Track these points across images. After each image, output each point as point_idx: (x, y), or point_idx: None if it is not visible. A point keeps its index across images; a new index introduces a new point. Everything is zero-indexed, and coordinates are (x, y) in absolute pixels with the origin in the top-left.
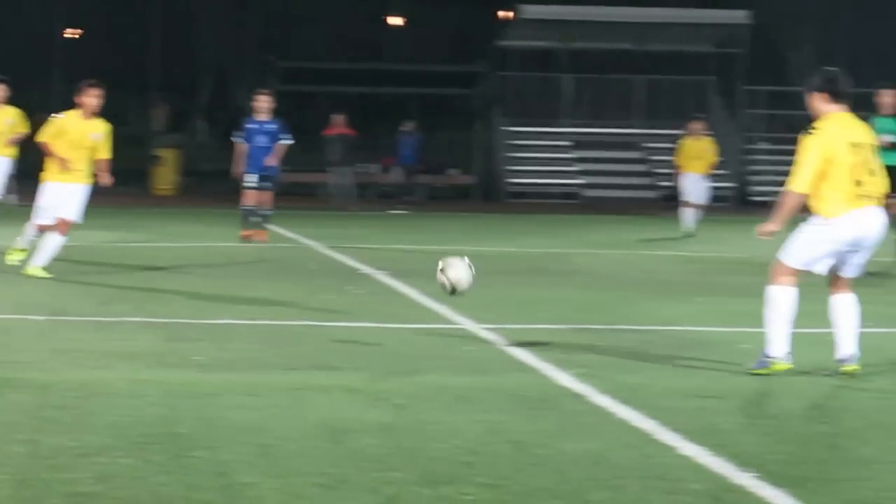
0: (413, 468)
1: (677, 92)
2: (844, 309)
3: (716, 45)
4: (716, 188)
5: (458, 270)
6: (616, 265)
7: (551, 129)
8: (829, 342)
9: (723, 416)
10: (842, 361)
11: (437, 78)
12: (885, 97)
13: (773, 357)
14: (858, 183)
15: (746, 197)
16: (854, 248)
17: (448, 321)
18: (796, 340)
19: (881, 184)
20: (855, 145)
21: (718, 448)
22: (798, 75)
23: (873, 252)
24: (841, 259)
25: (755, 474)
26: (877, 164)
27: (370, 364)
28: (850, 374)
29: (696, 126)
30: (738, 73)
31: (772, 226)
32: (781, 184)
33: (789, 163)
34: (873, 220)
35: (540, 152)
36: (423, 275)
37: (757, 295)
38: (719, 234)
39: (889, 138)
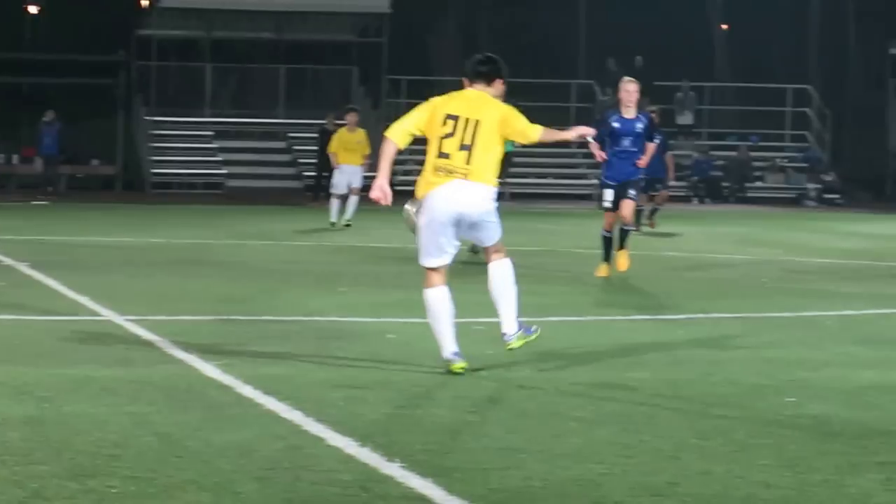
0: (58, 461)
1: (320, 81)
2: (492, 278)
3: (357, 34)
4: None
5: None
6: (261, 256)
7: (194, 118)
8: (476, 332)
9: (370, 407)
10: (504, 337)
11: (78, 67)
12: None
13: (445, 359)
14: (444, 156)
15: (393, 186)
16: (458, 223)
17: (93, 313)
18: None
19: (484, 159)
20: (451, 117)
21: (366, 439)
22: (440, 64)
23: (490, 225)
24: (454, 236)
25: (403, 464)
26: (488, 141)
27: (14, 357)
28: (513, 350)
29: (352, 117)
30: (380, 62)
31: (379, 180)
32: (416, 173)
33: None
34: (458, 195)
35: (183, 142)
36: (66, 266)
37: (403, 285)
38: (367, 224)
39: None
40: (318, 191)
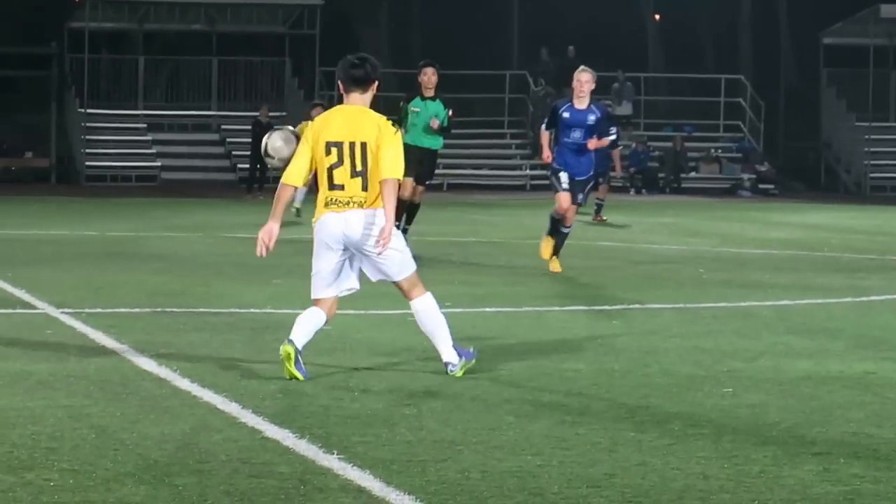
0: None
1: (253, 74)
2: (419, 316)
3: (289, 26)
4: None
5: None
6: (196, 248)
7: (128, 111)
8: (411, 323)
9: (307, 399)
10: (447, 367)
11: (10, 60)
12: (431, 76)
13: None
14: (337, 188)
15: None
16: (346, 248)
17: (28, 306)
18: (380, 321)
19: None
20: (334, 145)
21: (303, 431)
22: (372, 56)
23: (387, 254)
24: (350, 268)
25: (341, 457)
26: (379, 162)
27: None
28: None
29: (318, 112)
30: (313, 54)
31: (270, 223)
32: None
33: None
34: (347, 221)
35: (117, 135)
36: (1, 260)
37: None
38: (300, 217)
39: (429, 123)
40: (252, 183)
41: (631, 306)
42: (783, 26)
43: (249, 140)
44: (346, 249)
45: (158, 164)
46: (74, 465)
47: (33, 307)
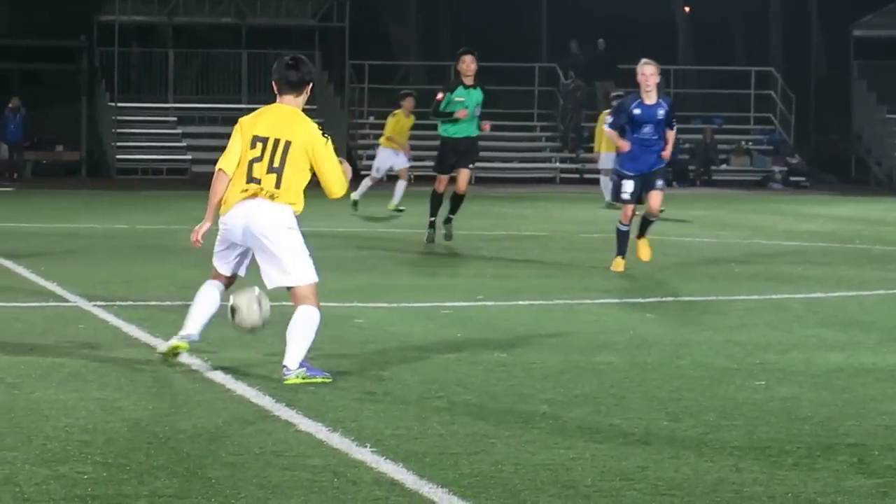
0: (28, 447)
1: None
2: (295, 319)
3: (318, 18)
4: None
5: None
6: None
7: (158, 104)
8: (444, 316)
9: (340, 392)
10: (283, 370)
11: (39, 53)
12: (471, 64)
13: (184, 335)
14: (254, 181)
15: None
16: (245, 237)
17: (60, 298)
18: (412, 314)
19: (293, 182)
20: (259, 139)
21: (336, 424)
22: (401, 50)
23: (283, 251)
24: (243, 255)
25: (374, 449)
26: (299, 162)
27: None
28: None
29: (409, 103)
30: (342, 47)
31: (204, 222)
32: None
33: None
34: (251, 209)
35: (147, 128)
36: (33, 253)
37: (367, 270)
38: (330, 210)
39: (474, 110)
40: None
41: (663, 299)
42: (813, 18)
43: None
44: (241, 245)
45: (189, 157)
46: (108, 457)
47: (65, 300)
